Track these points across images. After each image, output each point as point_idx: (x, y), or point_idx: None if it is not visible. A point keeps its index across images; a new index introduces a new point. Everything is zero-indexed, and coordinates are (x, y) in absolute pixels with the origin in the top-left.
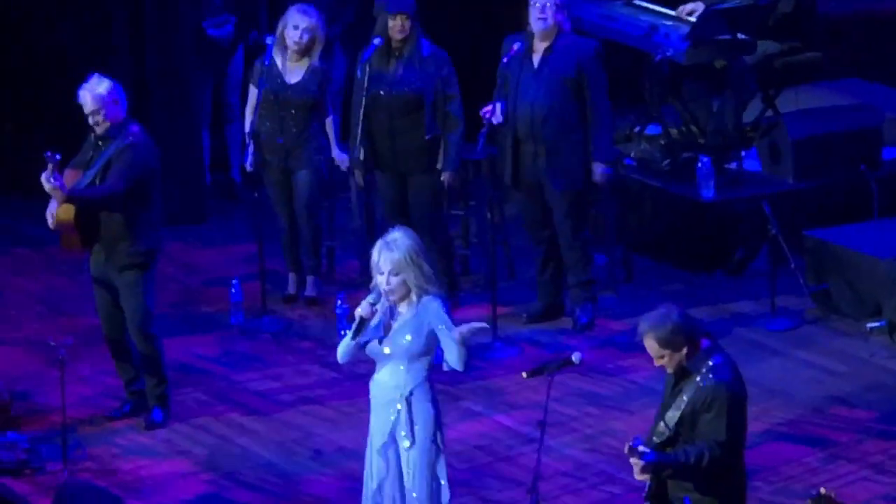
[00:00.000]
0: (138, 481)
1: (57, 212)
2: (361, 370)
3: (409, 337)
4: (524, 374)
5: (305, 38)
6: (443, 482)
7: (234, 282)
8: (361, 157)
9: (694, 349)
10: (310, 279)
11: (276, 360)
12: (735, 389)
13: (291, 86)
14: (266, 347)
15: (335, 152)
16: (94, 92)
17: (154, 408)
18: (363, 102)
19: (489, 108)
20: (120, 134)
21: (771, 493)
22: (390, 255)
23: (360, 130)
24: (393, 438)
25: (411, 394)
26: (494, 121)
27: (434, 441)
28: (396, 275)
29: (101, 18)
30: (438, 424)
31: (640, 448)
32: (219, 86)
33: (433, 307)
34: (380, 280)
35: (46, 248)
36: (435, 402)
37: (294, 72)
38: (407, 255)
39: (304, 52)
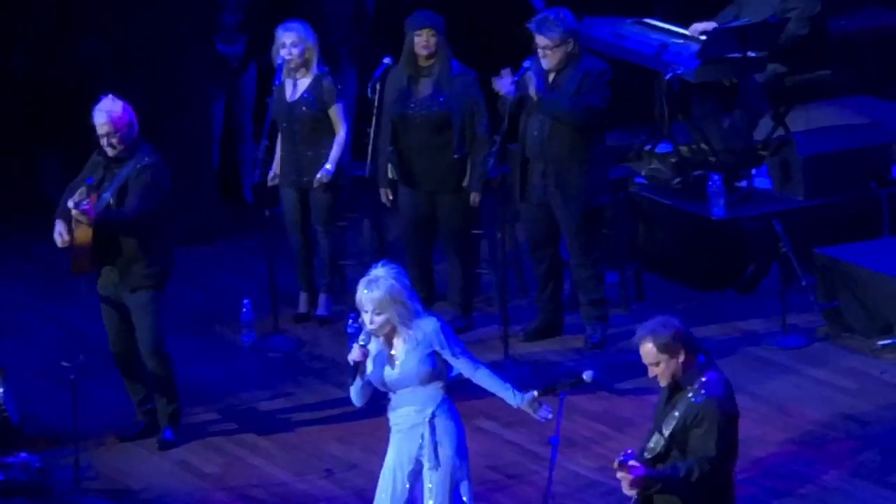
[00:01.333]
0: (150, 502)
1: (76, 234)
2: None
3: (413, 364)
4: (535, 393)
5: (296, 51)
6: (465, 499)
7: (245, 301)
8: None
9: (690, 361)
10: (322, 297)
11: (288, 380)
12: (726, 406)
13: (293, 103)
14: (277, 366)
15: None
16: (110, 113)
17: (166, 428)
18: (373, 121)
19: (504, 80)
20: (133, 155)
21: None
22: (371, 295)
23: (370, 149)
24: (418, 462)
25: (433, 415)
26: (504, 90)
27: (458, 458)
28: (379, 314)
29: (114, 37)
30: (462, 442)
31: (631, 462)
32: (230, 105)
33: (430, 329)
34: (364, 318)
35: (59, 268)
36: (457, 420)
37: (298, 88)
38: (387, 294)
39: (303, 65)
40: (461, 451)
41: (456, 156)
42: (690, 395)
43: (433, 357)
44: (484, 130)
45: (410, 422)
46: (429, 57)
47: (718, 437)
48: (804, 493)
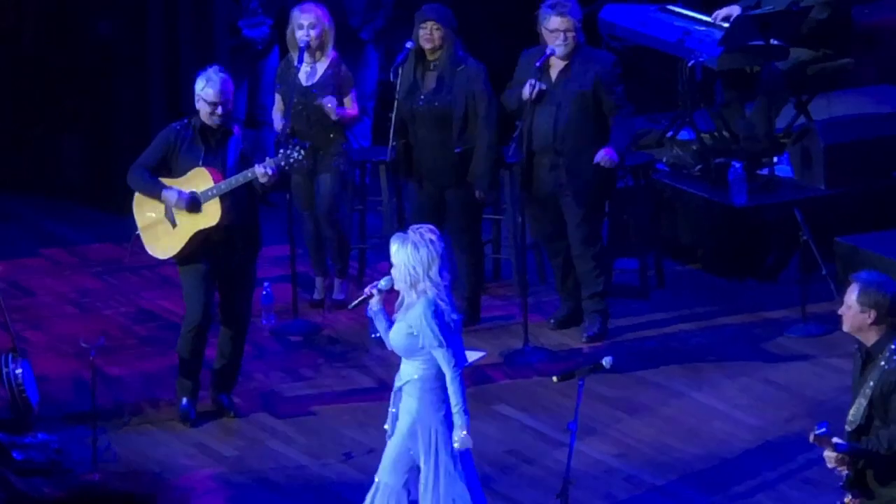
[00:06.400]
0: (167, 483)
1: (200, 217)
2: (391, 373)
3: (398, 335)
4: (555, 379)
5: (313, 33)
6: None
7: (265, 284)
8: (390, 158)
9: (881, 328)
10: (337, 282)
11: (307, 363)
12: None
13: (308, 87)
14: (296, 350)
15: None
16: (225, 83)
17: (226, 395)
18: (395, 106)
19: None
20: (230, 124)
21: (802, 499)
22: (394, 247)
23: (392, 132)
24: (393, 424)
25: (400, 389)
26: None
27: (410, 439)
28: (393, 268)
29: (136, 18)
30: (422, 428)
31: (835, 440)
32: (253, 88)
33: (418, 311)
34: None
35: (76, 249)
36: (424, 402)
37: (313, 71)
38: (404, 252)
39: (319, 48)
40: (416, 434)
41: (457, 150)
42: (883, 363)
43: (415, 337)
44: (487, 124)
45: (395, 386)
46: (434, 50)
47: None
48: (818, 481)
